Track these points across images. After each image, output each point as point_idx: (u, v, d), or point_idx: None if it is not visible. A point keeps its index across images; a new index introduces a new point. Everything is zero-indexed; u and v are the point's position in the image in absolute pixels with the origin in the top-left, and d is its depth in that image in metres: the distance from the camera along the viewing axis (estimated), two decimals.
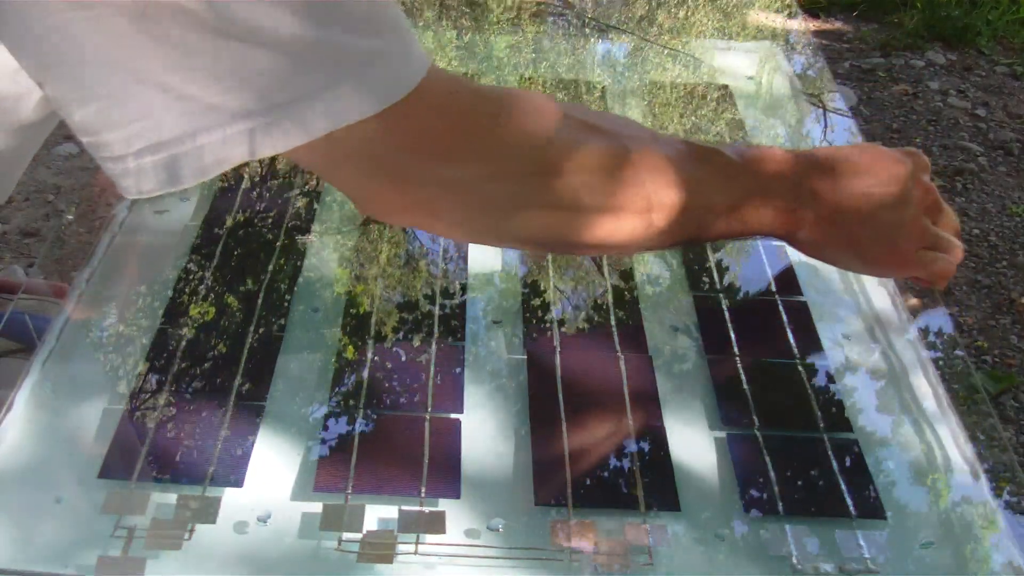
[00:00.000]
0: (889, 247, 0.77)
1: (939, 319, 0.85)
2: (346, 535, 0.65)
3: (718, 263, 0.94)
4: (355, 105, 0.50)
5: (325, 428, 0.73)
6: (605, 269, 0.92)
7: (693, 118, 1.19)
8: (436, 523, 0.66)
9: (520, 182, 0.61)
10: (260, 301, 0.84)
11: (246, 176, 1.00)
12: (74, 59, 0.47)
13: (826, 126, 1.20)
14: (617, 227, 0.66)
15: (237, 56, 0.47)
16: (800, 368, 0.82)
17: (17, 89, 0.61)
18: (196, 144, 0.48)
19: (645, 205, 0.66)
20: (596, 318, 0.87)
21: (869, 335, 0.87)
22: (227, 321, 0.82)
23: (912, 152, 0.78)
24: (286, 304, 0.85)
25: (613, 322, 0.86)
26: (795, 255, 0.95)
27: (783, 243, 0.98)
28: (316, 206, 0.97)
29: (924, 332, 0.86)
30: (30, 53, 0.49)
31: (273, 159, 1.03)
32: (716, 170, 0.70)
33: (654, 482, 0.71)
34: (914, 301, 0.89)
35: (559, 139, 0.62)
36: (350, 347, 0.81)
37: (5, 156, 0.67)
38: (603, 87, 1.22)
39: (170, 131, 0.48)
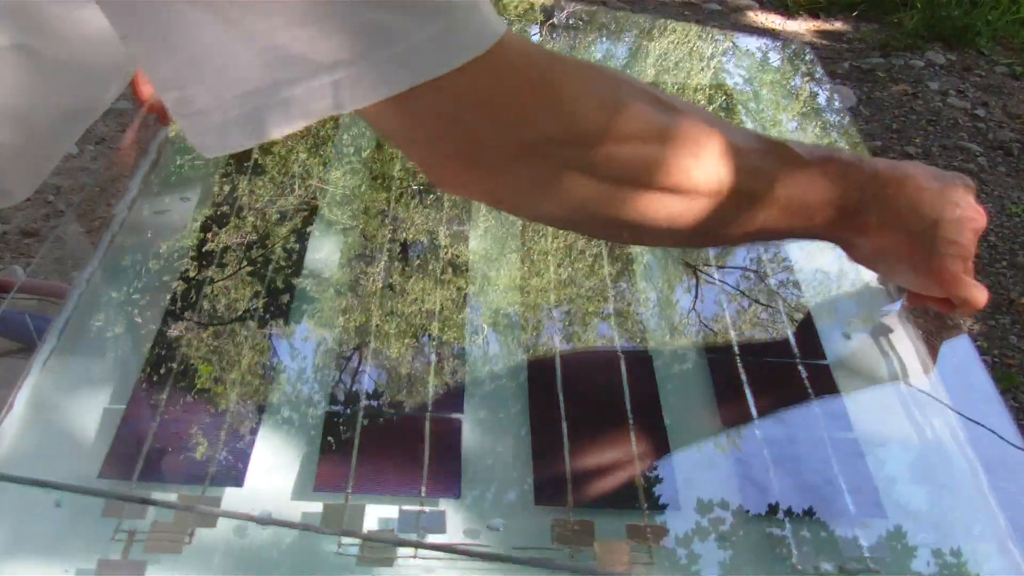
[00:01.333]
0: (941, 262, 0.77)
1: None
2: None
3: (719, 264, 0.94)
4: (439, 58, 0.50)
5: (325, 428, 0.73)
6: (606, 268, 0.92)
7: None
8: (436, 523, 0.66)
9: (594, 149, 0.59)
10: (260, 300, 0.85)
11: (247, 175, 1.00)
12: (162, 8, 0.46)
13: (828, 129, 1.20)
14: (688, 207, 0.64)
15: (324, 5, 0.46)
16: (800, 368, 0.82)
17: (92, 62, 0.60)
18: (281, 96, 0.48)
19: (717, 188, 0.65)
20: (596, 318, 0.87)
21: (869, 335, 0.87)
22: (227, 321, 0.82)
23: (963, 176, 0.79)
24: (287, 303, 0.85)
25: (613, 322, 0.86)
26: (795, 255, 0.95)
27: (782, 245, 0.99)
28: (318, 203, 0.97)
29: (926, 333, 0.86)
30: (119, 4, 0.48)
31: (277, 151, 1.03)
32: (785, 164, 0.69)
33: (654, 482, 0.71)
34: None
35: (635, 110, 0.61)
36: (351, 347, 0.81)
37: (40, 144, 0.66)
38: None
39: (256, 82, 0.47)
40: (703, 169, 0.63)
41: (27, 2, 0.53)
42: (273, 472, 0.70)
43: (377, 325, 0.83)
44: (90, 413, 0.73)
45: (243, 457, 0.70)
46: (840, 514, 0.70)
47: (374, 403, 0.75)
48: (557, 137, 0.58)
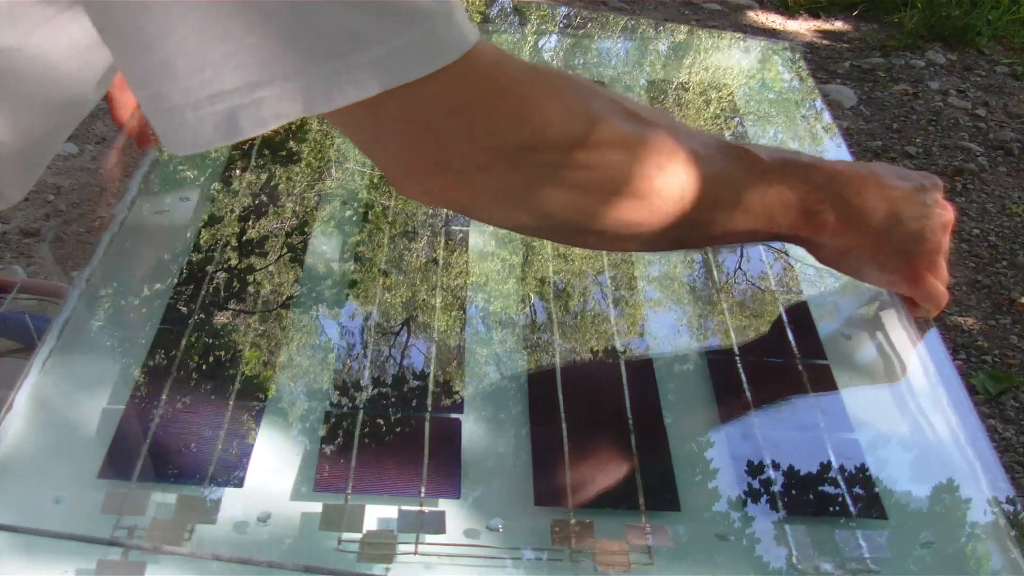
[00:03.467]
0: (908, 259, 0.79)
1: (931, 337, 0.86)
2: (346, 535, 0.65)
3: (719, 264, 0.94)
4: (411, 65, 0.51)
5: (325, 428, 0.73)
6: (605, 268, 0.92)
7: (692, 117, 1.19)
8: (436, 523, 0.66)
9: (561, 155, 0.61)
10: (260, 300, 0.85)
11: (248, 175, 1.00)
12: (138, 5, 0.47)
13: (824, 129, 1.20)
14: (652, 213, 0.66)
15: (299, 8, 0.47)
16: (800, 368, 0.82)
17: (79, 63, 0.60)
18: (255, 97, 0.48)
19: (679, 193, 0.67)
20: (595, 318, 0.87)
21: (869, 335, 0.87)
22: (227, 320, 0.82)
23: (929, 175, 0.81)
24: (287, 303, 0.85)
25: (613, 322, 0.86)
26: (795, 255, 0.95)
27: (783, 245, 0.98)
28: (318, 203, 0.97)
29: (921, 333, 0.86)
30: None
31: (274, 153, 1.03)
32: (746, 167, 0.71)
33: (654, 482, 0.71)
34: None
35: (601, 118, 0.62)
36: (350, 347, 0.81)
37: (33, 146, 0.67)
38: (601, 84, 1.22)
39: (230, 82, 0.48)
40: (667, 176, 0.66)
41: (13, 4, 0.54)
42: (273, 472, 0.70)
43: (377, 325, 0.83)
44: (90, 413, 0.73)
45: (243, 457, 0.70)
46: (840, 514, 0.69)
47: (374, 403, 0.75)
48: (526, 145, 0.59)
